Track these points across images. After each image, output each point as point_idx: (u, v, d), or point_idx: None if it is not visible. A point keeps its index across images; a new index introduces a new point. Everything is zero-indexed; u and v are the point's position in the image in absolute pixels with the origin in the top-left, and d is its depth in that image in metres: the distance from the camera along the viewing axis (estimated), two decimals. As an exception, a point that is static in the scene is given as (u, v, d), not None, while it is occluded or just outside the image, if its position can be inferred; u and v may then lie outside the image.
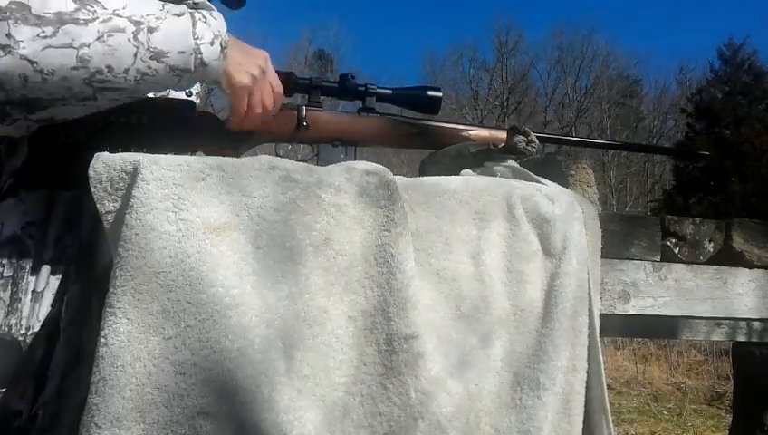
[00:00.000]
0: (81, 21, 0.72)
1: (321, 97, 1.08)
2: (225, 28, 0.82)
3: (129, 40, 0.74)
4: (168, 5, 0.80)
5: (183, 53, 0.77)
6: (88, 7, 0.73)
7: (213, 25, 0.80)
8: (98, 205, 0.68)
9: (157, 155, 0.73)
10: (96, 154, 0.71)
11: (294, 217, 0.73)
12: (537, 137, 1.08)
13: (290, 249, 0.72)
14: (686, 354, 7.61)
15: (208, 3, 0.88)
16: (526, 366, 0.85)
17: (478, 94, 23.93)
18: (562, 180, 1.06)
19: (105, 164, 0.68)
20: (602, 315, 0.99)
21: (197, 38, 0.79)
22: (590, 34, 24.94)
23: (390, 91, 1.13)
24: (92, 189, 0.68)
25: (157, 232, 0.65)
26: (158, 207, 0.66)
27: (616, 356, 7.46)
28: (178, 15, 0.79)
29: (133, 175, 0.67)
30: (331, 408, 0.72)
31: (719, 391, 6.18)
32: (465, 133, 1.14)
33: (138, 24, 0.75)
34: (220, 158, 0.78)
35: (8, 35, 0.69)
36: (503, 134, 1.13)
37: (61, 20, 0.72)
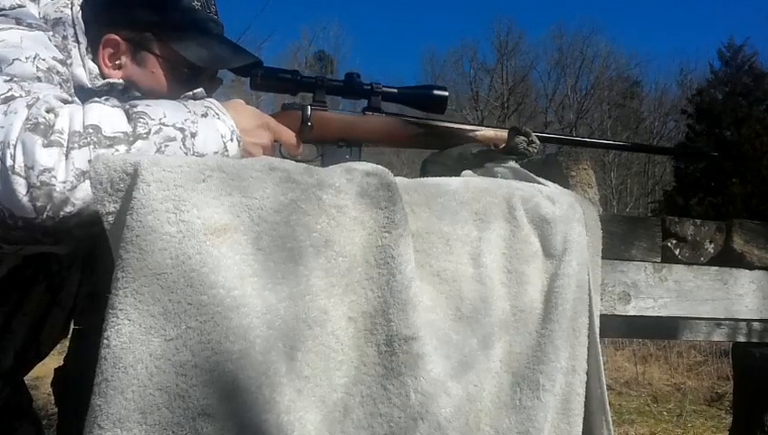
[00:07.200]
0: (144, 135, 0.77)
1: (327, 96, 1.07)
2: (232, 122, 0.87)
3: (180, 148, 0.79)
4: (190, 105, 0.84)
5: (216, 152, 0.83)
6: (141, 121, 0.77)
7: (227, 122, 0.86)
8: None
9: (157, 156, 0.73)
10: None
11: (295, 218, 0.73)
12: (538, 137, 1.07)
13: (290, 250, 0.72)
14: (686, 355, 7.60)
15: (204, 91, 0.91)
16: (526, 367, 0.85)
17: (478, 95, 23.94)
18: (563, 181, 1.06)
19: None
20: (603, 316, 0.99)
21: (223, 137, 0.85)
22: (591, 35, 24.99)
23: (396, 91, 1.12)
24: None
25: (157, 233, 0.65)
26: (158, 209, 0.66)
27: (616, 357, 7.45)
28: (204, 116, 0.84)
29: (134, 176, 0.67)
30: (331, 409, 0.72)
31: (719, 391, 6.17)
32: (471, 133, 1.13)
33: (182, 130, 0.80)
34: (220, 159, 0.78)
35: (90, 161, 0.72)
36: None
37: (129, 138, 0.76)
